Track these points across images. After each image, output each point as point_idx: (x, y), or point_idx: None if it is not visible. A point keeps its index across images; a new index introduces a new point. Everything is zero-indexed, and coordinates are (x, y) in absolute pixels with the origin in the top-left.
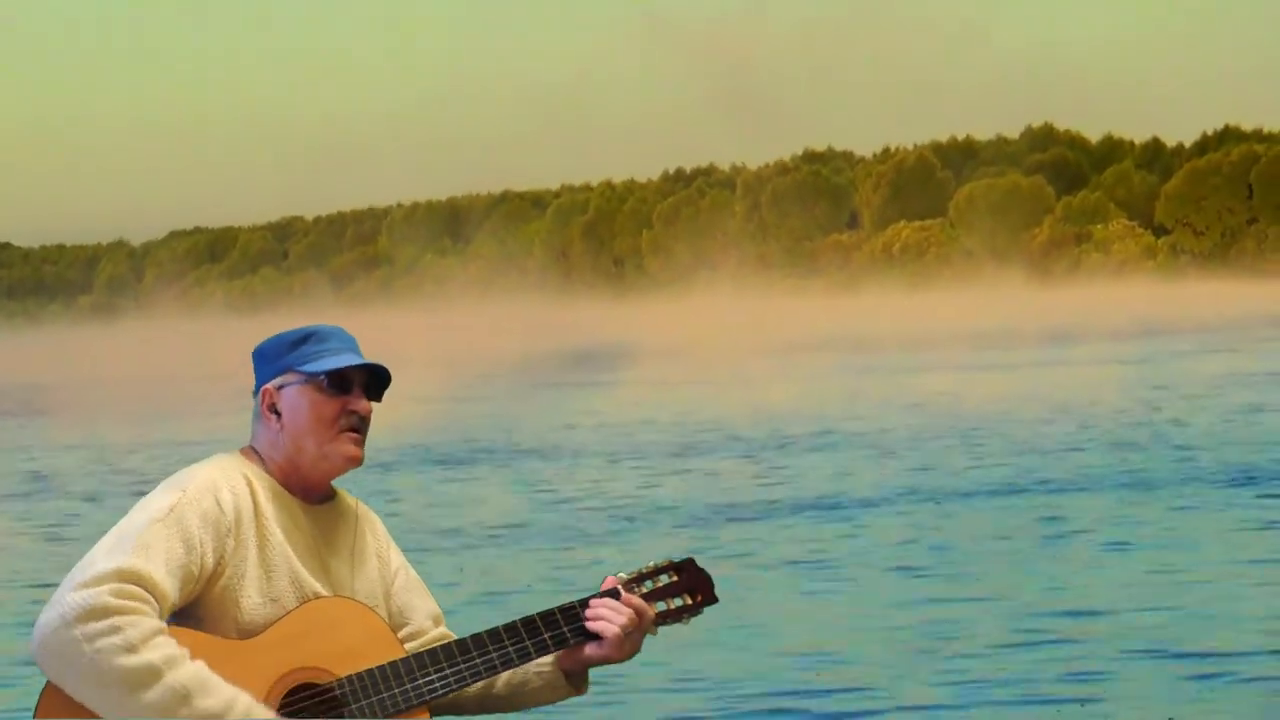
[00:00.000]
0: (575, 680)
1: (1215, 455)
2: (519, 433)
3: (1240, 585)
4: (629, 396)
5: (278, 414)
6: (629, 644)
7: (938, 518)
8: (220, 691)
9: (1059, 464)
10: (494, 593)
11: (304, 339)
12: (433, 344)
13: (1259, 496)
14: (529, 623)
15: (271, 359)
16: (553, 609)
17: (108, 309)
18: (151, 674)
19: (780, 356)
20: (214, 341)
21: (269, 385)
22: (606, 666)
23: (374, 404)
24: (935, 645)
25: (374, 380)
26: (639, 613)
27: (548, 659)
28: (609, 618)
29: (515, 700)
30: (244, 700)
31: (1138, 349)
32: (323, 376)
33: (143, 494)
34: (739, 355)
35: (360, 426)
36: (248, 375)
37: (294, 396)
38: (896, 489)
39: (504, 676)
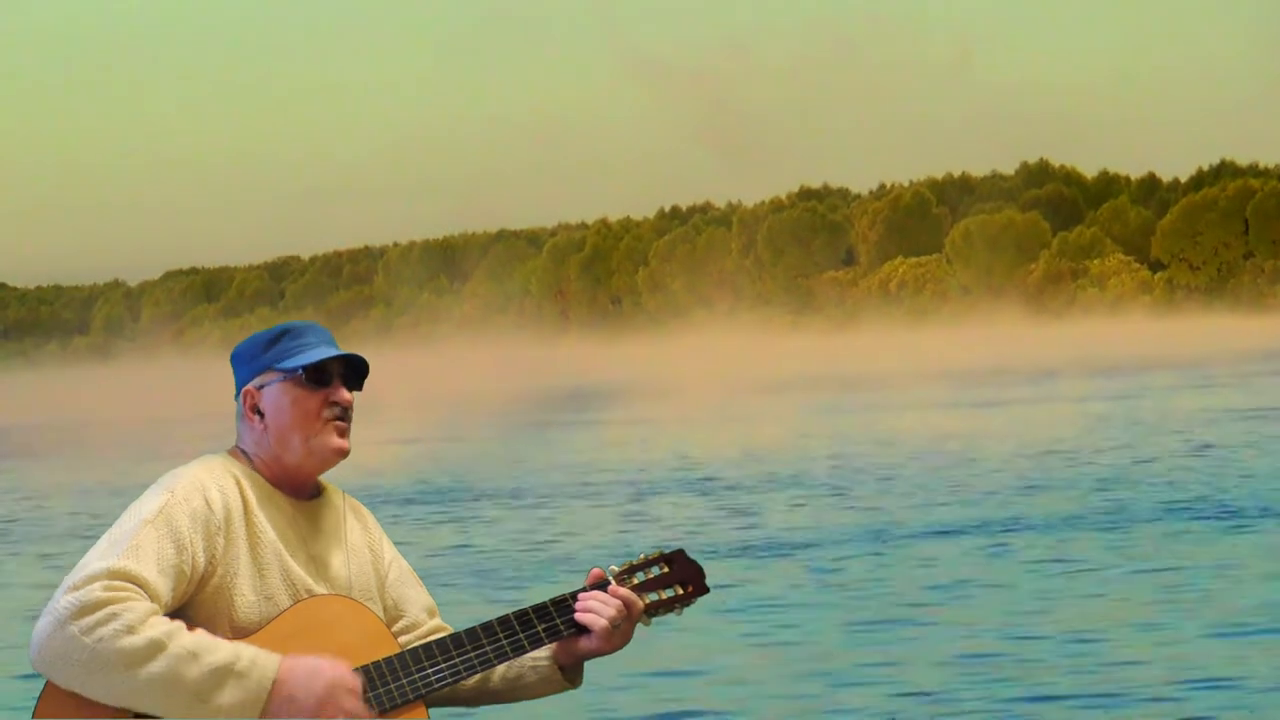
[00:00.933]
0: (570, 674)
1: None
2: (508, 473)
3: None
4: (622, 435)
5: (260, 414)
6: (618, 635)
7: (913, 558)
8: (224, 646)
9: (1032, 502)
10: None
11: (279, 337)
12: (428, 383)
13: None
14: (522, 615)
15: (249, 360)
16: (544, 602)
17: (104, 349)
18: (156, 647)
19: (776, 395)
20: (209, 381)
21: (249, 386)
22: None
23: (355, 394)
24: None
25: (352, 371)
26: (628, 604)
27: (543, 653)
28: (597, 610)
29: (511, 694)
30: (249, 649)
31: (1130, 385)
32: (301, 371)
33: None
34: (734, 393)
35: (344, 416)
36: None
37: (275, 394)
38: (875, 527)
39: (499, 670)
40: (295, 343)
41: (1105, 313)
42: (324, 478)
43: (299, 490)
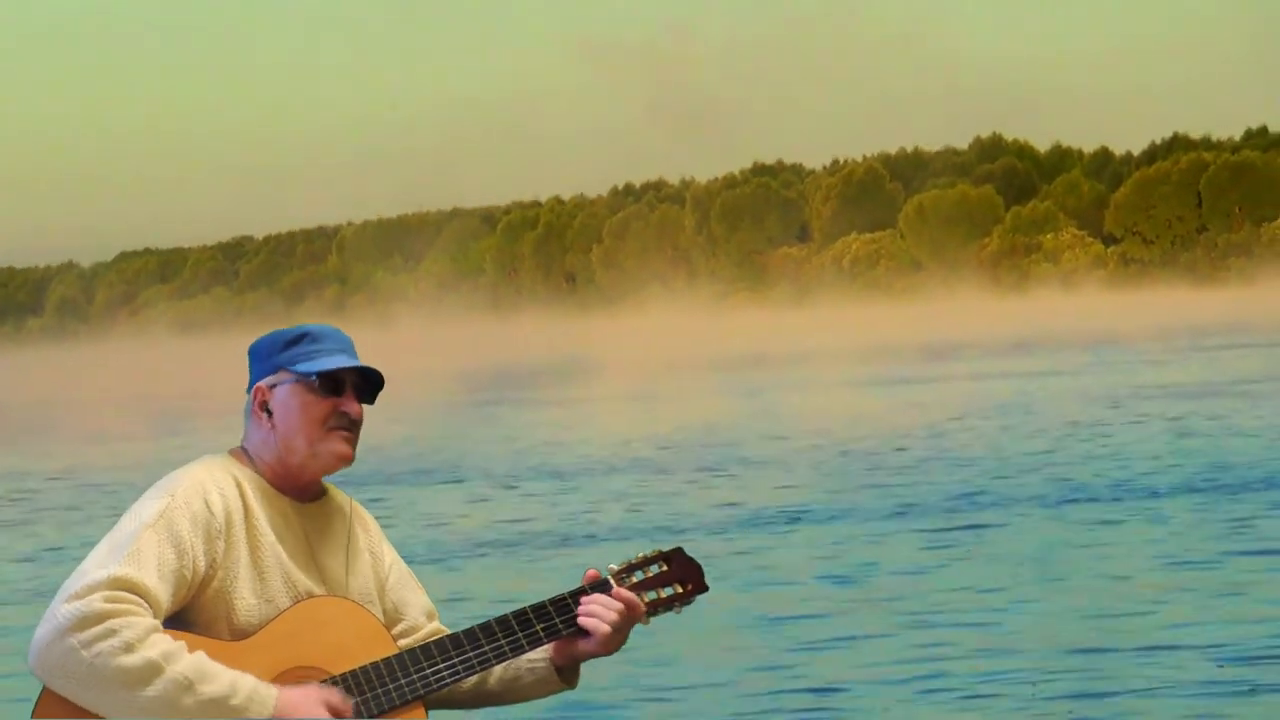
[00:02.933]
0: (566, 675)
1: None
2: (458, 452)
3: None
4: (580, 414)
5: (269, 412)
6: (618, 638)
7: (865, 536)
8: (222, 676)
9: (982, 479)
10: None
11: (298, 339)
12: (382, 362)
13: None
14: (520, 616)
15: (265, 357)
16: (543, 601)
17: (58, 331)
18: (152, 669)
19: (730, 371)
20: (164, 362)
21: (261, 383)
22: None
23: (366, 406)
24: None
25: (366, 383)
26: (629, 606)
27: (540, 654)
28: (600, 614)
29: (508, 695)
30: (247, 681)
31: (1082, 360)
32: (314, 377)
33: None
34: (688, 370)
35: (351, 427)
36: (203, 396)
37: (285, 396)
38: (825, 505)
39: (497, 671)
40: (313, 347)
41: (1059, 286)
42: (327, 481)
43: (301, 492)
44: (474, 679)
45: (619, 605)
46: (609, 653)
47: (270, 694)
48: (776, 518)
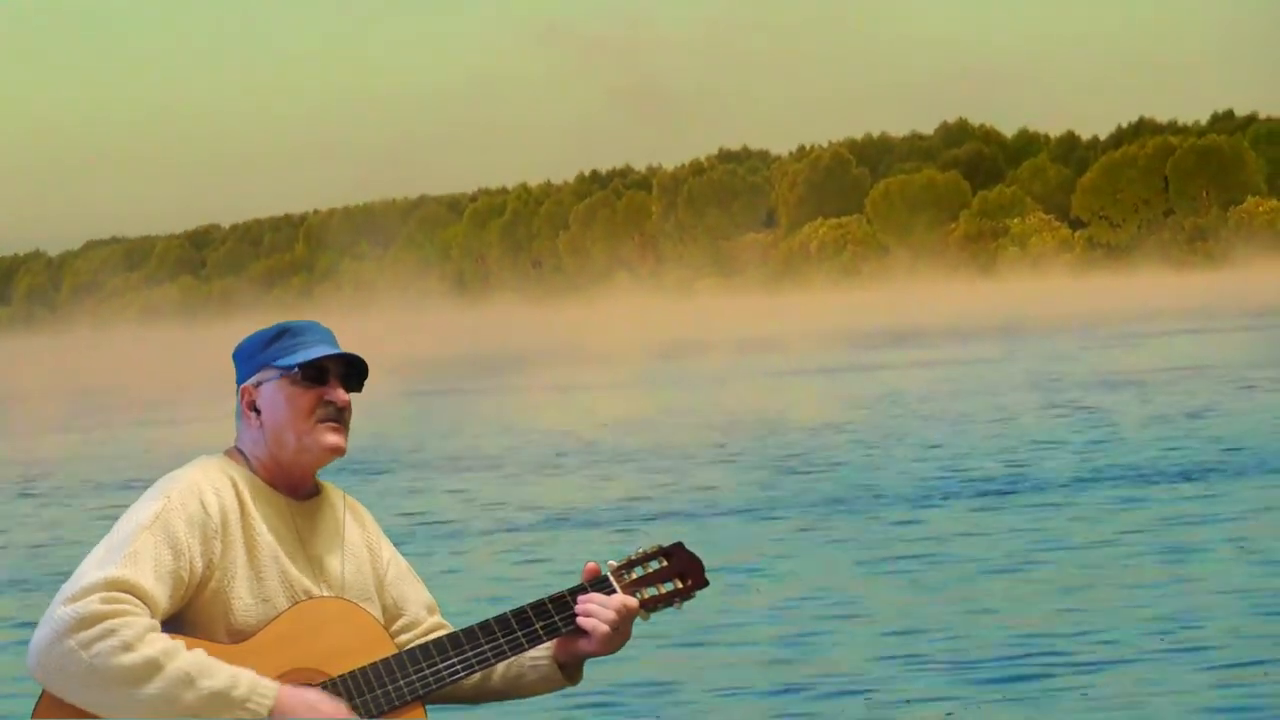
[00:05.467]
0: (569, 672)
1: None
2: (422, 440)
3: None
4: (542, 401)
5: (257, 411)
6: (618, 637)
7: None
8: (222, 671)
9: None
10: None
11: (278, 335)
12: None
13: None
14: (520, 614)
15: (248, 357)
16: (543, 599)
17: (26, 320)
18: (153, 667)
19: (698, 357)
20: (131, 351)
21: (247, 383)
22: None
23: (353, 394)
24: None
25: (351, 371)
26: (627, 605)
27: (542, 651)
28: (597, 614)
29: (512, 692)
30: (247, 676)
31: (1049, 346)
32: (296, 369)
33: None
34: (653, 357)
35: (338, 417)
36: (163, 385)
37: (271, 392)
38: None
39: (499, 669)
40: (294, 340)
41: (1026, 271)
42: (322, 477)
43: (296, 489)
44: (476, 677)
45: (616, 604)
46: (609, 652)
47: (271, 688)
48: (748, 505)
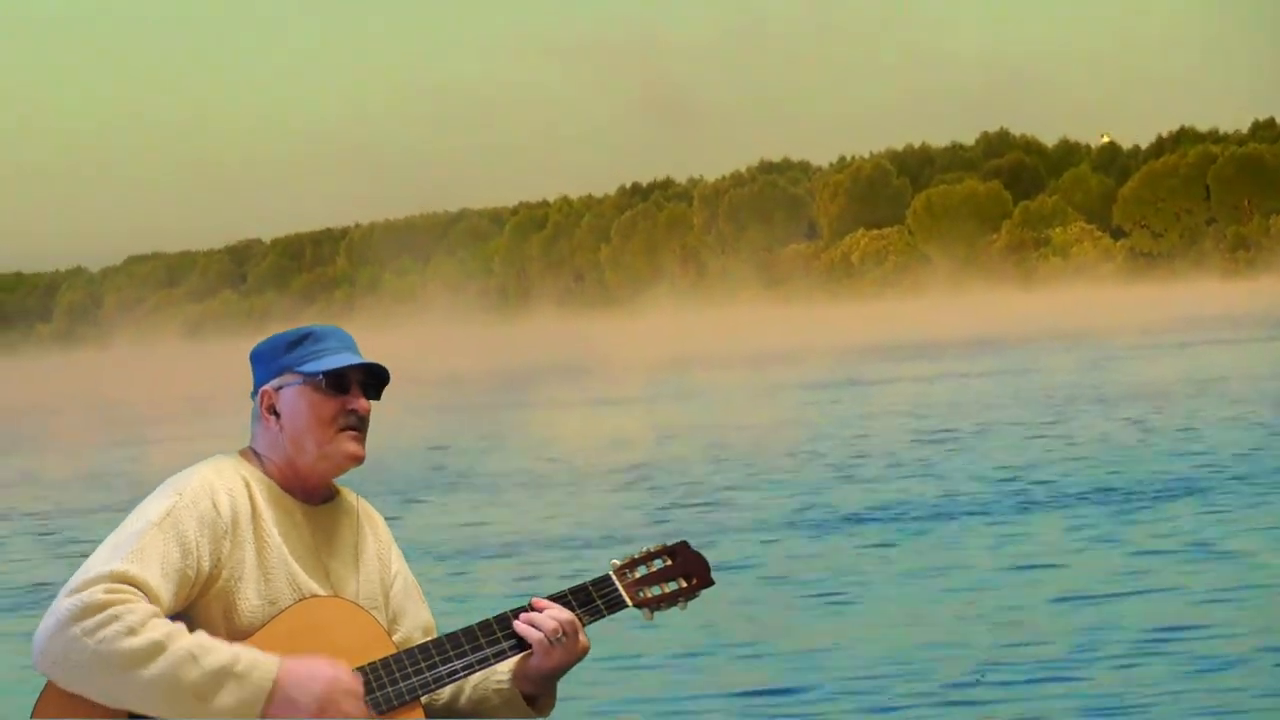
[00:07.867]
0: (538, 704)
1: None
2: (467, 455)
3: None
4: (582, 415)
5: (276, 415)
6: (559, 650)
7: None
8: (224, 647)
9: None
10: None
11: (301, 339)
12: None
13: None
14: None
15: (269, 360)
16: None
17: (68, 336)
18: (156, 648)
19: (742, 369)
20: (174, 367)
21: (267, 386)
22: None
23: (373, 403)
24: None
25: (372, 379)
26: (566, 620)
27: (505, 675)
28: (536, 621)
29: (477, 715)
30: (248, 652)
31: (1091, 354)
32: (320, 377)
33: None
34: (697, 370)
35: (359, 425)
36: (206, 399)
37: (292, 397)
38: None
39: (467, 690)
40: (317, 347)
41: (1068, 281)
42: (339, 482)
43: (310, 494)
44: (446, 695)
45: (562, 616)
46: (554, 665)
47: (273, 662)
48: (798, 519)
